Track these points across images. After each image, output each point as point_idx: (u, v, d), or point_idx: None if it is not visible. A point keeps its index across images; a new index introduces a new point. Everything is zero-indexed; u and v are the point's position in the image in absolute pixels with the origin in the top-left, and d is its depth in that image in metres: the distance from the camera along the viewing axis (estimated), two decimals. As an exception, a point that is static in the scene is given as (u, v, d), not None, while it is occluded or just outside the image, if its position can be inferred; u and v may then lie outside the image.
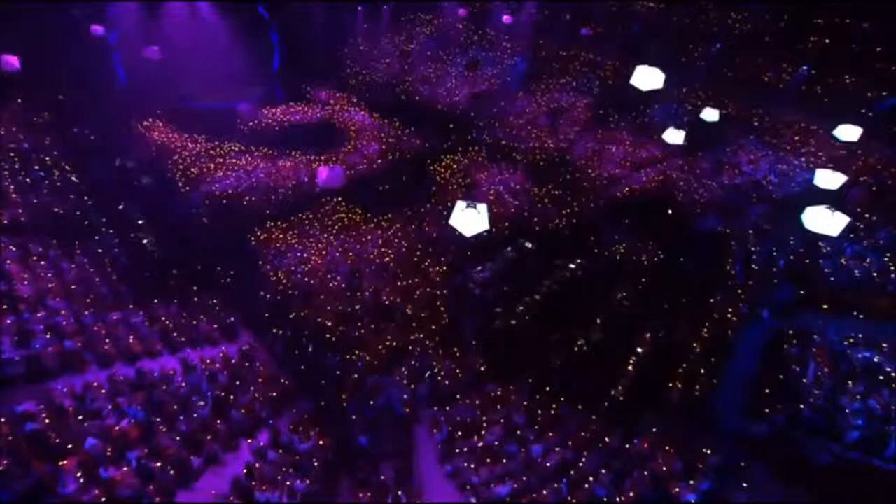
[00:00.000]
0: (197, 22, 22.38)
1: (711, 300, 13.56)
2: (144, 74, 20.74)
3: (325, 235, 15.20)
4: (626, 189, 20.18)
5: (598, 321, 13.79)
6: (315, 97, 24.39)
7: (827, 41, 20.33)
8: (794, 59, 21.23)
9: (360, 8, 26.48)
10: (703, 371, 11.07)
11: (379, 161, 20.31)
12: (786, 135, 20.59)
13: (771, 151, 20.22)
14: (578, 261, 16.36)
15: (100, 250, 13.48)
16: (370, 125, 22.67)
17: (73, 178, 16.28)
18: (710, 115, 15.05)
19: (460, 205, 7.01)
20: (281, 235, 15.10)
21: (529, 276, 15.60)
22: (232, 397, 9.96)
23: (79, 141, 18.54)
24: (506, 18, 24.70)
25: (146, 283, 12.87)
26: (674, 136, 14.75)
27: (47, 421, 7.68)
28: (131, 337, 10.48)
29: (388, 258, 14.45)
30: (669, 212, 19.45)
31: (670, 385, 11.02)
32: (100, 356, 9.78)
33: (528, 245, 16.91)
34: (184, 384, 9.95)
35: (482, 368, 12.06)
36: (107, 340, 10.12)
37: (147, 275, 13.04)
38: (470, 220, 6.89)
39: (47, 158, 16.71)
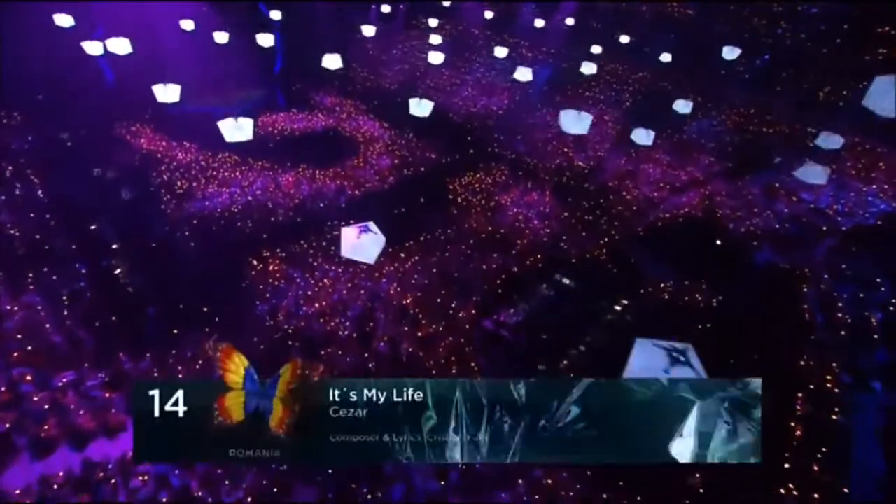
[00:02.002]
0: (190, 17, 20.18)
1: (801, 362, 11.18)
2: (130, 74, 18.59)
3: (333, 268, 12.87)
4: (667, 215, 17.98)
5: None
6: (320, 103, 22.22)
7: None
8: (856, 74, 19.09)
9: (373, 7, 24.35)
10: (816, 468, 8.75)
11: (391, 178, 18.10)
12: (848, 159, 18.40)
13: (834, 177, 17.99)
14: (624, 301, 14.12)
15: (58, 284, 11.11)
16: (380, 135, 20.56)
17: (39, 193, 13.99)
18: (832, 142, 12.09)
19: (659, 351, 4.08)
20: (280, 267, 12.75)
21: (569, 320, 13.31)
22: (211, 499, 7.61)
23: (52, 146, 16.34)
24: (536, 22, 22.58)
25: (113, 327, 10.51)
26: (814, 174, 11.28)
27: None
28: (82, 410, 8.15)
29: (406, 300, 12.13)
30: (718, 243, 17.20)
31: (780, 487, 8.63)
32: (33, 442, 7.43)
33: (566, 281, 14.61)
34: (148, 478, 7.63)
35: (525, 447, 9.71)
36: (47, 416, 7.79)
37: (114, 318, 10.65)
38: (651, 357, 4.05)
39: (10, 168, 14.45)
